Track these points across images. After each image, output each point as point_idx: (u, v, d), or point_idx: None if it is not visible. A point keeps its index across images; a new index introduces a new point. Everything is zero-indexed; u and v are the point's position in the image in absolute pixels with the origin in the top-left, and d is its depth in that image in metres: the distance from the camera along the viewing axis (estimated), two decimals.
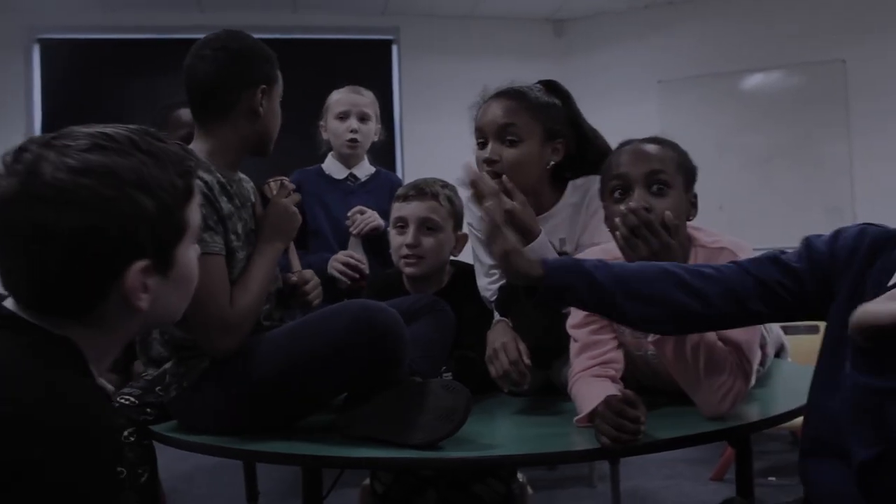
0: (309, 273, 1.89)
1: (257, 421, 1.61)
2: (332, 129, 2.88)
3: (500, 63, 5.71)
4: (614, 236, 1.52)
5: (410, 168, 5.61)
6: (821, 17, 5.47)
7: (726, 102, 5.68)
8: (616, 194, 1.59)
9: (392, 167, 5.34)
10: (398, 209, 2.10)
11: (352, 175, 2.90)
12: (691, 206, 1.62)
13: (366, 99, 2.91)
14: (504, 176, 1.84)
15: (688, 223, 1.64)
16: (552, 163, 1.93)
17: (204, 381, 1.63)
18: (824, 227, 1.39)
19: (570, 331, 1.67)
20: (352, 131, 2.84)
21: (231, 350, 1.61)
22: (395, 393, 1.52)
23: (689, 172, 1.62)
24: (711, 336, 1.48)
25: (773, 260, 1.33)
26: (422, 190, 2.09)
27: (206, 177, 1.62)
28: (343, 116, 2.86)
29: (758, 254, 1.52)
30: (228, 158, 1.75)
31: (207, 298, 1.54)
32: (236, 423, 1.60)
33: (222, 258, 1.64)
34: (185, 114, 2.03)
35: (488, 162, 1.88)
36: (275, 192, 1.83)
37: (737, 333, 1.51)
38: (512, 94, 1.93)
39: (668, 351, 1.50)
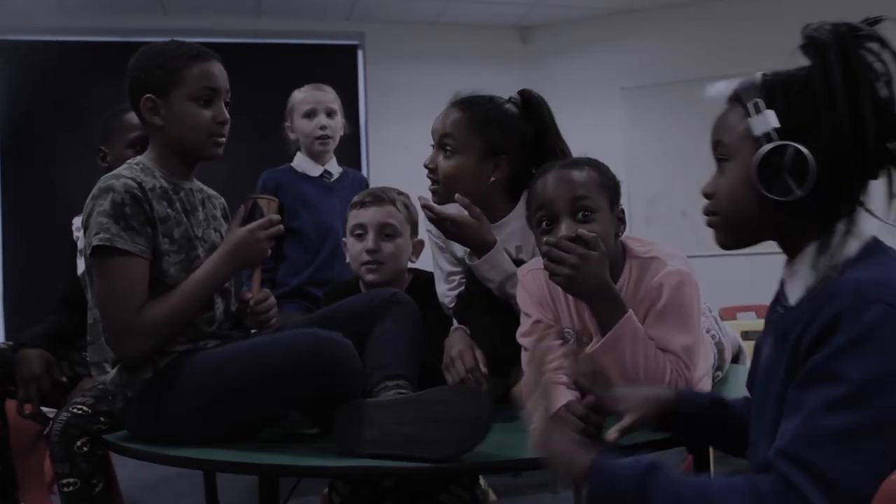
0: (265, 293, 1.84)
1: (201, 434, 1.58)
2: (300, 127, 2.89)
3: (465, 69, 5.71)
4: (545, 263, 1.52)
5: (376, 173, 5.60)
6: (782, 26, 5.53)
7: (690, 109, 5.73)
8: (543, 224, 1.58)
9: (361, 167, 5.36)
10: (356, 216, 2.10)
11: (326, 172, 2.91)
12: (620, 223, 1.62)
13: (330, 95, 2.93)
14: (453, 193, 1.84)
15: (623, 234, 1.65)
16: (493, 179, 1.90)
17: (147, 393, 1.61)
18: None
19: (520, 340, 1.68)
20: (321, 128, 2.85)
21: (132, 356, 1.59)
22: (406, 406, 1.44)
23: (612, 190, 1.61)
24: (650, 345, 1.49)
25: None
26: (378, 196, 2.10)
27: (145, 179, 1.64)
28: (310, 114, 2.87)
29: (679, 261, 1.59)
30: (171, 166, 1.75)
31: (112, 298, 1.58)
32: (184, 435, 1.59)
33: (140, 261, 1.60)
34: (133, 117, 2.04)
35: (426, 167, 1.90)
36: (265, 212, 1.76)
37: (675, 340, 1.51)
38: (461, 106, 1.92)
39: (607, 361, 1.49)
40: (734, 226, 1.17)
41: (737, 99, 1.16)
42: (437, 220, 1.82)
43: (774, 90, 1.12)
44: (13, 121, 5.32)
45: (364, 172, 5.66)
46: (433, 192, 1.92)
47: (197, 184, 1.83)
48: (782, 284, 1.19)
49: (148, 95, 1.70)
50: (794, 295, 1.13)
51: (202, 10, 5.38)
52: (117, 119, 2.25)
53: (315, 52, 5.82)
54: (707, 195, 1.17)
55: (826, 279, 1.05)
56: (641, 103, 5.82)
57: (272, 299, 1.83)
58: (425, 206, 1.84)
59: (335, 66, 5.80)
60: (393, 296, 1.77)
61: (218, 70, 1.75)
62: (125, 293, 1.58)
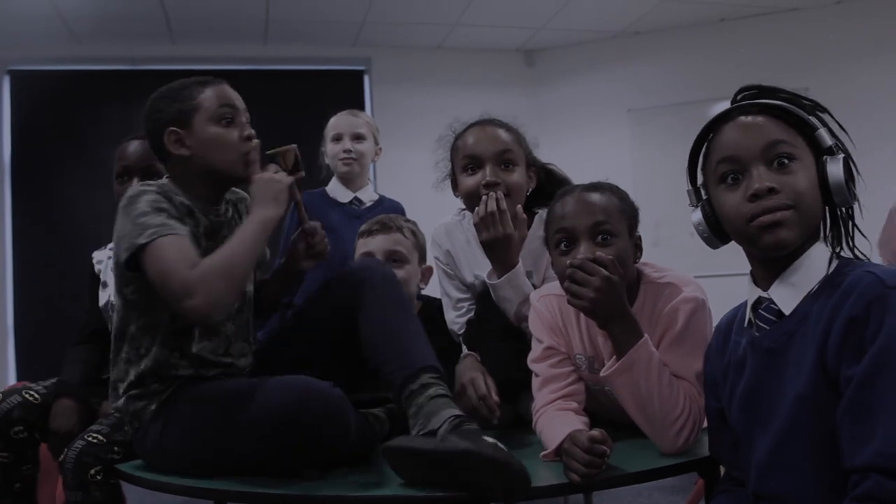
0: (315, 225, 1.88)
1: (205, 467, 1.60)
2: (329, 151, 2.97)
3: (471, 93, 5.76)
4: (562, 284, 1.53)
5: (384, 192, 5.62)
6: (785, 46, 5.59)
7: (695, 130, 5.74)
8: (562, 246, 1.59)
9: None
10: (364, 244, 2.13)
11: (356, 199, 2.96)
12: (636, 249, 1.64)
13: (360, 120, 3.02)
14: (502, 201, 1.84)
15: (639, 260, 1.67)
16: (529, 190, 1.97)
17: (152, 425, 1.64)
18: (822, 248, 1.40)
19: (531, 365, 1.68)
20: (345, 151, 2.92)
21: (199, 311, 1.54)
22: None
23: (632, 217, 1.63)
24: (665, 371, 1.49)
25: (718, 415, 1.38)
26: (385, 224, 2.13)
27: (172, 195, 1.70)
28: (337, 138, 2.96)
29: (694, 287, 1.61)
30: (193, 190, 1.75)
31: (167, 267, 1.55)
32: (193, 467, 1.60)
33: (182, 237, 1.60)
34: (123, 149, 2.19)
35: (490, 185, 1.89)
36: (280, 164, 1.79)
37: (689, 367, 1.52)
38: (500, 122, 1.99)
39: (621, 389, 1.50)
40: (805, 222, 1.20)
41: (783, 110, 1.23)
42: (500, 220, 1.81)
43: (820, 109, 1.25)
44: (24, 150, 5.36)
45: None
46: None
47: (234, 194, 1.86)
48: (756, 304, 1.25)
49: (171, 129, 1.71)
50: (787, 304, 1.19)
51: (210, 37, 5.43)
52: (120, 148, 2.29)
53: (322, 78, 5.86)
54: (773, 189, 1.18)
55: (839, 274, 1.16)
56: (647, 125, 5.84)
57: (322, 231, 1.88)
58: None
59: (342, 92, 5.84)
60: (366, 273, 1.74)
61: (231, 90, 1.78)
62: (178, 258, 1.55)
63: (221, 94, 1.74)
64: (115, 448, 1.74)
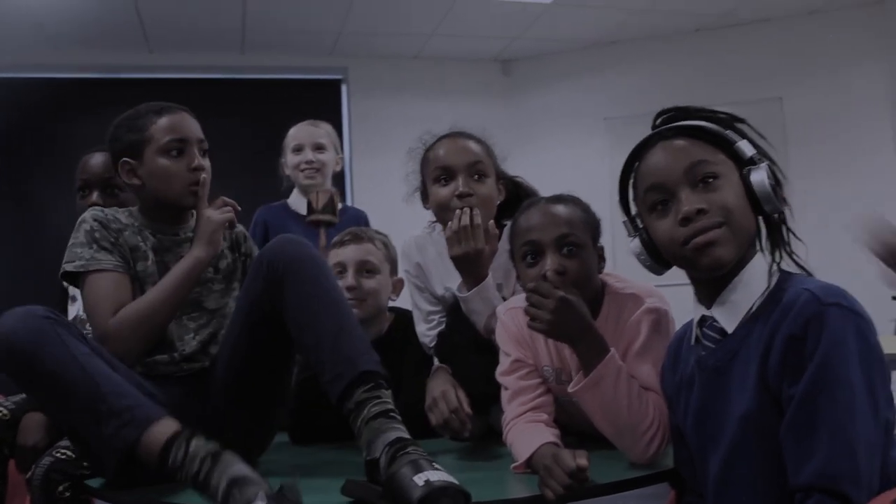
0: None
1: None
2: (290, 162, 2.93)
3: (448, 102, 5.79)
4: (526, 308, 1.52)
5: (360, 205, 5.60)
6: (759, 57, 5.65)
7: None
8: (528, 258, 1.60)
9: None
10: (335, 255, 2.13)
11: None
12: (600, 259, 1.65)
13: (320, 130, 2.97)
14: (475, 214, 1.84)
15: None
16: (499, 202, 1.98)
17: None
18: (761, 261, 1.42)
19: (500, 378, 1.69)
20: (307, 162, 2.88)
21: (121, 358, 1.62)
22: None
23: (595, 228, 1.65)
24: (633, 384, 1.50)
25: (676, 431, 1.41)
26: (357, 235, 2.14)
27: (121, 217, 1.81)
28: (298, 149, 2.92)
29: (656, 299, 1.62)
30: (152, 216, 1.85)
31: (91, 309, 1.70)
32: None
33: (113, 274, 1.72)
34: (85, 162, 2.24)
35: (463, 196, 1.91)
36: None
37: (656, 378, 1.52)
38: (470, 134, 2.01)
39: (590, 403, 1.51)
40: (740, 237, 1.20)
41: (700, 129, 1.25)
42: (473, 235, 1.81)
43: (737, 121, 1.27)
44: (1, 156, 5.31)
45: (348, 204, 5.70)
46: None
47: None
48: (701, 322, 1.28)
49: (124, 159, 1.80)
50: (729, 322, 1.22)
51: (187, 46, 5.41)
52: (83, 160, 2.30)
53: (299, 87, 5.85)
54: (701, 210, 1.19)
55: (779, 290, 1.17)
56: (624, 133, 5.84)
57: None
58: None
59: (319, 101, 5.84)
60: (273, 261, 1.58)
61: (185, 120, 1.82)
62: (98, 302, 1.70)
63: (174, 125, 1.80)
64: (85, 464, 1.73)
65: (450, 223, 1.84)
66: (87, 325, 1.82)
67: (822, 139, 5.48)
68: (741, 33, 5.68)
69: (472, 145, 1.97)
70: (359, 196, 5.82)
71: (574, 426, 1.68)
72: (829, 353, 1.06)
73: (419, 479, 1.25)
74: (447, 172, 1.94)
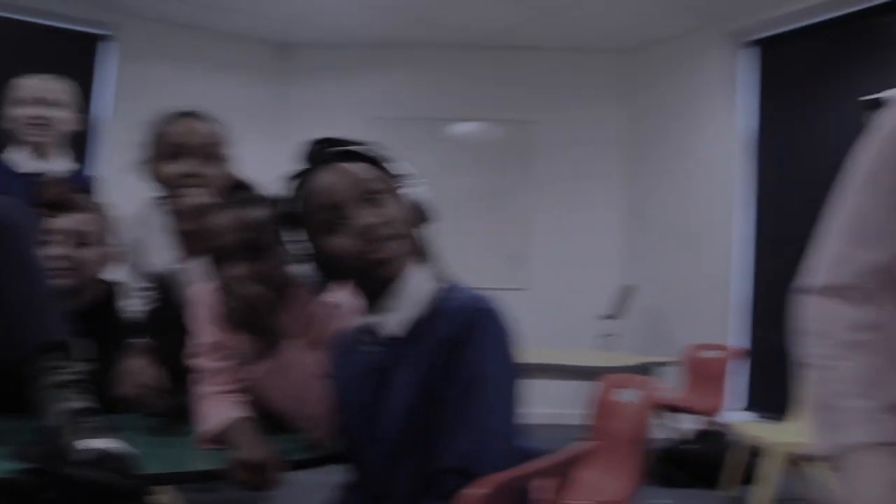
0: None
1: None
2: (15, 115, 2.73)
3: (220, 78, 5.68)
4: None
5: (113, 171, 5.36)
6: (520, 80, 6.07)
7: (439, 145, 6.07)
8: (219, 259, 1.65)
9: (89, 167, 5.09)
10: (50, 223, 2.05)
11: (44, 171, 2.71)
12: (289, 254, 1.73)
13: (54, 85, 2.79)
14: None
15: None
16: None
17: None
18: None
19: (193, 358, 1.69)
20: (37, 117, 2.71)
21: None
22: None
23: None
24: (312, 371, 1.59)
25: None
26: (72, 203, 2.06)
27: None
28: (27, 102, 2.73)
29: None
30: None
31: None
32: None
33: None
34: None
35: (191, 176, 1.91)
36: None
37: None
38: (208, 116, 2.01)
39: (273, 390, 1.59)
40: (409, 250, 1.35)
41: (362, 153, 1.40)
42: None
43: (382, 147, 1.43)
44: None
45: (100, 171, 5.41)
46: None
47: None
48: (368, 326, 1.39)
49: None
50: (394, 327, 1.35)
51: None
52: None
53: (58, 36, 5.47)
54: (374, 224, 1.31)
55: (439, 297, 1.33)
56: (393, 134, 6.05)
57: None
58: None
59: (79, 55, 5.51)
60: None
61: None
62: None
63: None
64: None
65: (176, 200, 1.84)
66: None
67: (566, 162, 6.00)
68: (510, 56, 6.06)
69: (208, 127, 1.99)
70: (114, 160, 5.54)
71: (264, 408, 1.74)
72: (477, 354, 1.23)
73: (90, 446, 1.27)
74: (180, 150, 1.94)
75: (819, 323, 1.04)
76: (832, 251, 1.05)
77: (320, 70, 6.17)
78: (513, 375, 1.28)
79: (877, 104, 3.81)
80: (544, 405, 4.98)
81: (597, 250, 6.01)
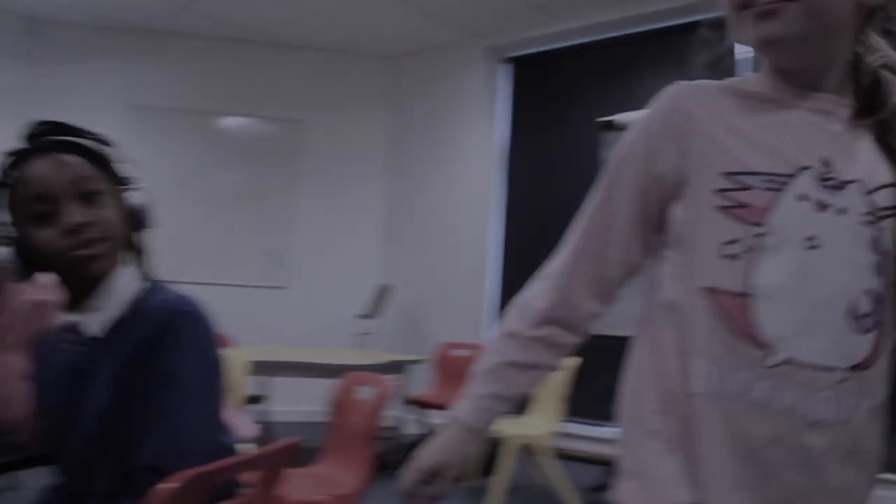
0: None
1: None
2: None
3: None
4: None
5: None
6: (289, 78, 6.05)
7: (200, 137, 5.90)
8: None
9: None
10: None
11: None
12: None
13: None
14: None
15: None
16: None
17: None
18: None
19: None
20: None
21: None
22: None
23: None
24: (8, 370, 1.55)
25: None
26: None
27: None
28: None
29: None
30: None
31: None
32: None
33: None
34: None
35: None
36: None
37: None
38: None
39: None
40: (117, 251, 1.32)
41: (85, 147, 1.33)
42: None
43: (108, 143, 1.37)
44: None
45: None
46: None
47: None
48: (68, 325, 1.36)
49: None
50: (94, 327, 1.33)
51: None
52: None
53: None
54: (85, 224, 1.26)
55: (142, 299, 1.32)
56: (150, 124, 5.81)
57: None
58: None
59: None
60: None
61: None
62: None
63: None
64: None
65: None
66: None
67: (327, 164, 6.08)
68: (280, 53, 6.03)
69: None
70: None
71: None
72: (173, 353, 1.24)
73: None
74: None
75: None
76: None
77: (75, 50, 5.78)
78: (213, 374, 1.30)
79: (609, 125, 4.18)
80: (299, 403, 5.01)
81: (356, 250, 6.12)
